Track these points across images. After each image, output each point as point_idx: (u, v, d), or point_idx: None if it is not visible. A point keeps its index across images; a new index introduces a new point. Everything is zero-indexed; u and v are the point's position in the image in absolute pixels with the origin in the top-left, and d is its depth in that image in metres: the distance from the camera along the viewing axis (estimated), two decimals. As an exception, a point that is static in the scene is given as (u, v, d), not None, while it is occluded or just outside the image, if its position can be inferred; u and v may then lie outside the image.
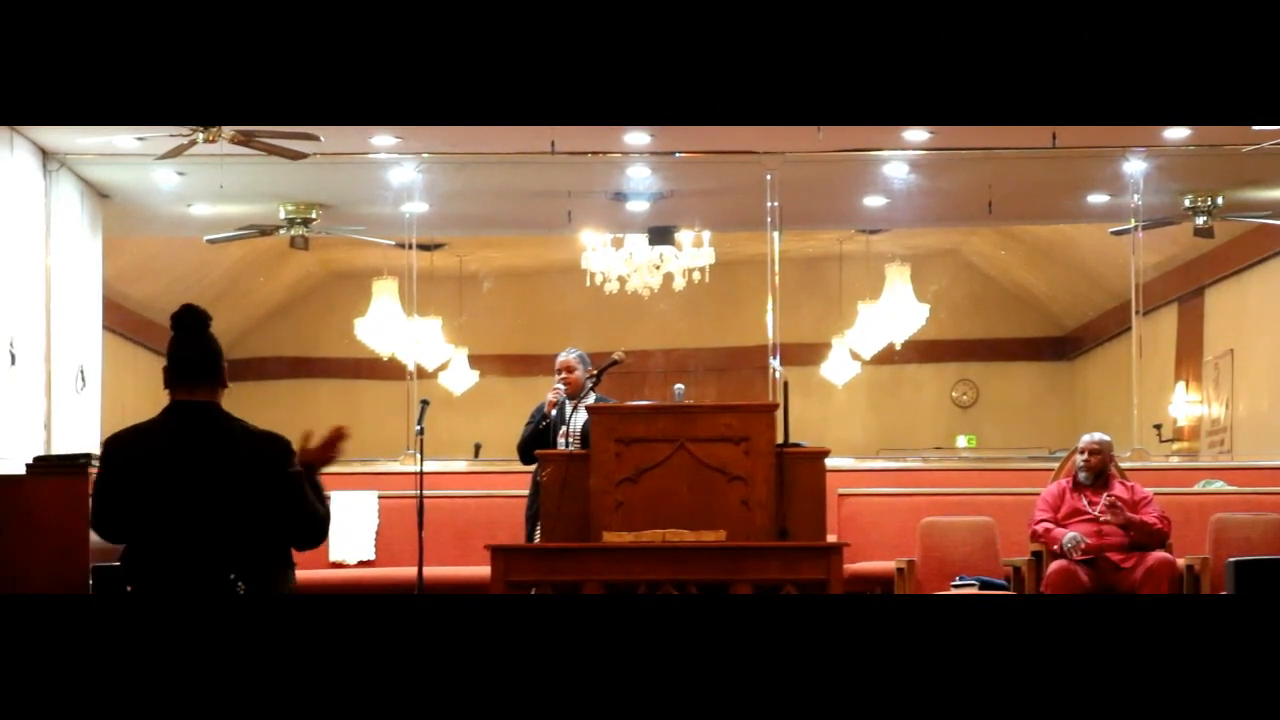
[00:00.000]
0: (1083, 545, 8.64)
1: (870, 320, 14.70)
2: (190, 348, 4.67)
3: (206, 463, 4.54)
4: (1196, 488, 10.43)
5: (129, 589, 4.57)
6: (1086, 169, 11.59)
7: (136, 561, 4.59)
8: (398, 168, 11.52)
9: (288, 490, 4.59)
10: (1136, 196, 11.63)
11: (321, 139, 10.12)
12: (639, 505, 7.79)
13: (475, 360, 15.29)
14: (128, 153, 10.79)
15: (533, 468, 8.50)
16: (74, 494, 8.69)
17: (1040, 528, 8.84)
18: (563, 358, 8.85)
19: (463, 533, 10.13)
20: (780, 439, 7.99)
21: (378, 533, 10.39)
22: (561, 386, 8.75)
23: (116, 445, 4.66)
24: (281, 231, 12.34)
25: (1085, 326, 15.81)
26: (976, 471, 11.37)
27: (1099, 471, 8.93)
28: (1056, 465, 9.56)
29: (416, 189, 11.73)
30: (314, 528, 4.65)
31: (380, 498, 10.48)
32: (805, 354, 14.78)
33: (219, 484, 4.53)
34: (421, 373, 13.18)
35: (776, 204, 11.58)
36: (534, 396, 9.15)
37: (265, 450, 4.60)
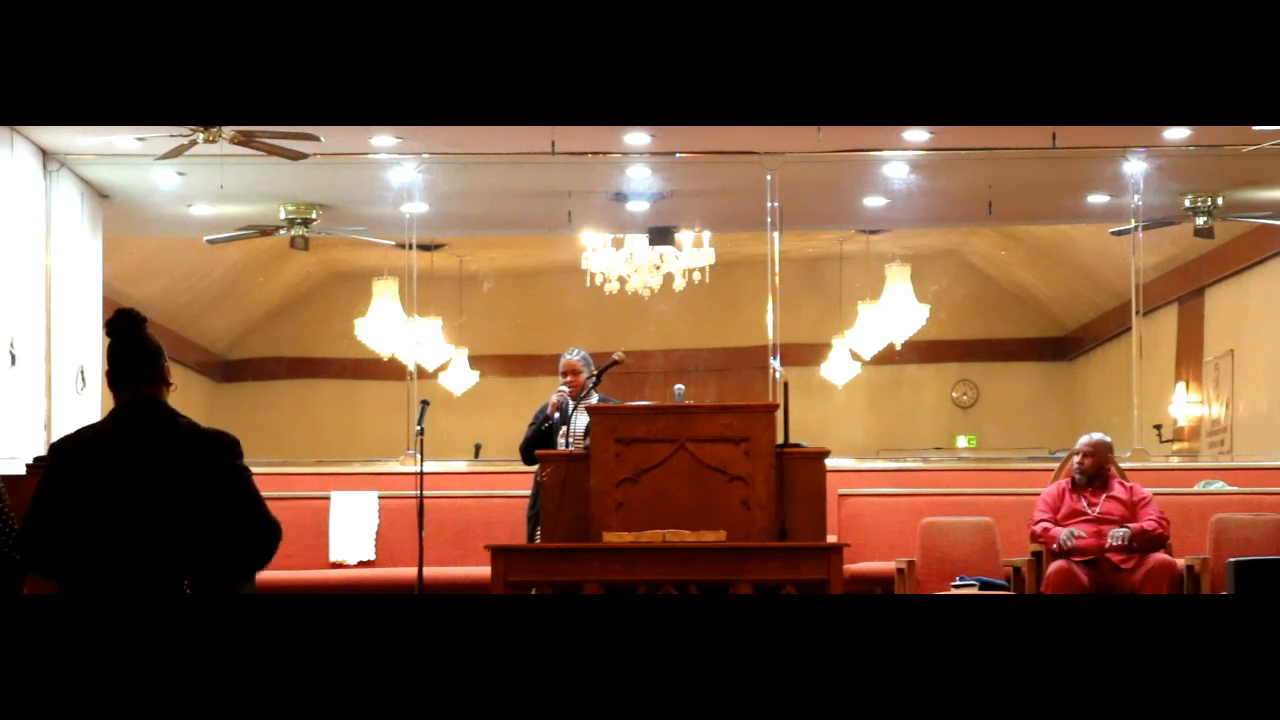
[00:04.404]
0: (1076, 537, 8.64)
1: (870, 320, 14.70)
2: (129, 350, 4.63)
3: (156, 460, 4.48)
4: (1196, 488, 10.43)
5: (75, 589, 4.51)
6: (1086, 169, 11.60)
7: (82, 563, 4.50)
8: (398, 168, 11.52)
9: (238, 486, 4.54)
10: (1136, 197, 11.63)
11: (321, 139, 10.11)
12: (639, 505, 7.79)
13: (475, 360, 15.28)
14: (128, 153, 10.79)
15: (535, 468, 8.51)
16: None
17: (1039, 528, 8.84)
18: (566, 359, 8.85)
19: (463, 533, 10.14)
20: (780, 439, 8.00)
21: (378, 533, 10.39)
22: (565, 388, 8.76)
23: (64, 451, 4.59)
24: (281, 232, 12.34)
25: (1085, 327, 15.80)
26: (976, 472, 11.36)
27: (1093, 474, 8.92)
28: (1056, 465, 9.56)
29: (416, 189, 11.72)
30: (269, 535, 4.57)
31: (380, 498, 10.48)
32: (805, 354, 14.77)
33: (169, 481, 4.48)
34: (422, 373, 13.17)
35: (776, 204, 11.58)
36: (534, 396, 9.14)
37: (214, 447, 4.55)
